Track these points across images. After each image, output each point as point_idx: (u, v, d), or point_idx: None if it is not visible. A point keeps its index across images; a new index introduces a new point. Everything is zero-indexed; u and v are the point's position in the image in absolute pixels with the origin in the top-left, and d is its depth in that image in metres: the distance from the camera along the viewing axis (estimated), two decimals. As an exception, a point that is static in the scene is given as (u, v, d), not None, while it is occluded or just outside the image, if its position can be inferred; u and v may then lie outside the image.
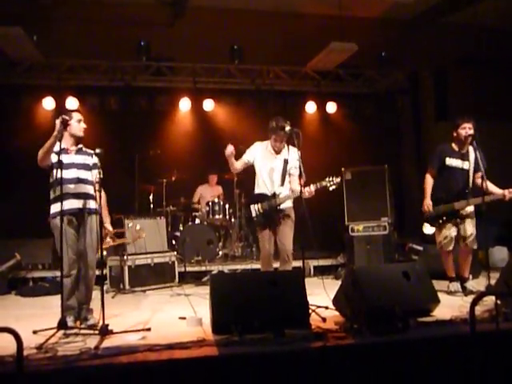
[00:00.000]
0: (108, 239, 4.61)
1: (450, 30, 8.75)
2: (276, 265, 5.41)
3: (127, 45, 8.39)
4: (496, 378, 3.25)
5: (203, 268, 7.41)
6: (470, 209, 5.36)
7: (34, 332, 3.89)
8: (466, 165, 5.38)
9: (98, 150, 4.26)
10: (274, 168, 5.19)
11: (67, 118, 4.22)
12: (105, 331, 3.73)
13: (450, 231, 5.35)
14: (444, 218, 5.36)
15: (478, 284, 5.49)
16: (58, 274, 4.43)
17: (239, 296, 3.82)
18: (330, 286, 4.79)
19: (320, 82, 9.56)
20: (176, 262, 7.09)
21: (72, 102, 8.43)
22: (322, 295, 4.63)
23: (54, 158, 4.28)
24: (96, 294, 4.38)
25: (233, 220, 8.33)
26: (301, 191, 4.73)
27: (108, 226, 4.59)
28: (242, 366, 3.16)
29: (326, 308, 4.38)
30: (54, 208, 4.30)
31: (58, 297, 4.08)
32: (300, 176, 4.78)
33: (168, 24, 8.55)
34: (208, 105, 9.23)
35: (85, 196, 4.36)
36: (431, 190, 5.49)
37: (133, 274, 6.58)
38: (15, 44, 7.32)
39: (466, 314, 3.73)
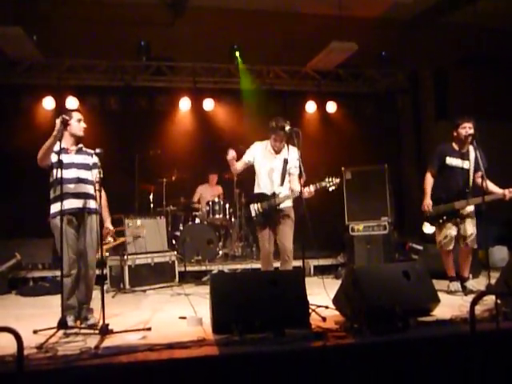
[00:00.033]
0: (109, 238, 4.61)
1: (450, 30, 8.76)
2: (276, 264, 5.42)
3: (127, 45, 8.40)
4: (496, 377, 3.25)
5: (203, 268, 7.42)
6: (470, 208, 5.36)
7: (35, 332, 3.89)
8: (466, 164, 5.38)
9: (98, 150, 4.26)
10: (274, 168, 5.19)
11: (67, 117, 4.22)
12: (105, 331, 3.73)
13: (450, 231, 5.35)
14: (444, 217, 5.36)
15: (478, 283, 5.49)
16: (58, 273, 4.43)
17: (239, 296, 3.82)
18: (330, 285, 4.78)
19: (320, 81, 9.56)
20: (176, 262, 7.10)
21: (72, 102, 8.44)
22: (322, 295, 4.63)
23: (54, 158, 4.28)
24: (96, 293, 4.38)
25: (233, 220, 8.34)
26: (301, 191, 4.73)
27: (109, 225, 4.59)
28: (242, 365, 3.16)
29: (326, 307, 4.38)
30: (54, 208, 4.30)
31: (58, 296, 4.07)
32: (300, 176, 4.78)
33: (168, 24, 8.57)
34: (208, 104, 9.24)
35: (85, 196, 4.36)
36: (431, 189, 5.48)
37: (133, 274, 6.58)
38: (15, 44, 7.34)
39: (466, 314, 3.73)
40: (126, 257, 6.61)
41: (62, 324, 3.85)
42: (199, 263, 7.50)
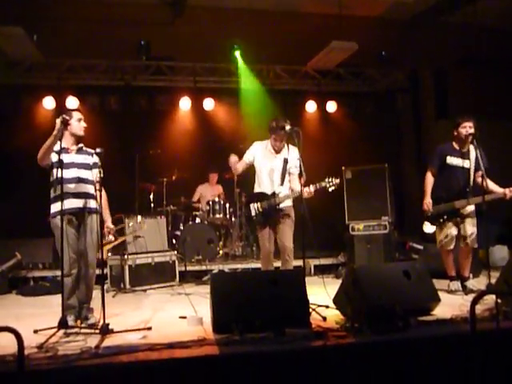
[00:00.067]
0: (110, 237, 4.61)
1: (450, 30, 8.76)
2: (277, 264, 5.42)
3: (127, 44, 8.39)
4: (496, 376, 3.26)
5: (204, 267, 7.42)
6: (471, 208, 5.36)
7: (35, 331, 3.88)
8: (466, 163, 5.37)
9: (98, 150, 4.26)
10: (274, 167, 5.19)
11: (67, 117, 4.22)
12: (105, 330, 3.73)
13: (451, 230, 5.35)
14: (445, 216, 5.36)
15: (478, 283, 5.49)
16: (59, 273, 4.43)
17: (240, 295, 3.83)
18: (331, 285, 4.78)
19: (320, 81, 9.56)
20: (176, 262, 7.09)
21: (72, 102, 8.44)
22: (322, 294, 4.63)
23: (54, 158, 4.28)
24: (97, 293, 4.38)
25: (233, 219, 8.34)
26: (301, 190, 4.73)
27: (109, 224, 4.59)
28: (242, 365, 3.16)
29: (327, 307, 4.38)
30: (54, 207, 4.30)
31: (59, 296, 4.07)
32: (300, 175, 4.78)
33: (168, 23, 8.56)
34: (208, 104, 9.24)
35: (85, 195, 4.36)
36: (432, 188, 5.49)
37: (133, 274, 6.58)
38: (15, 44, 7.33)
39: (467, 313, 3.73)
40: (126, 256, 6.61)
41: (62, 324, 3.86)
42: (199, 263, 7.51)
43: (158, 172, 8.30)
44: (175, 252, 7.26)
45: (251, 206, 5.23)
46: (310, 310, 4.10)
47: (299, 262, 4.98)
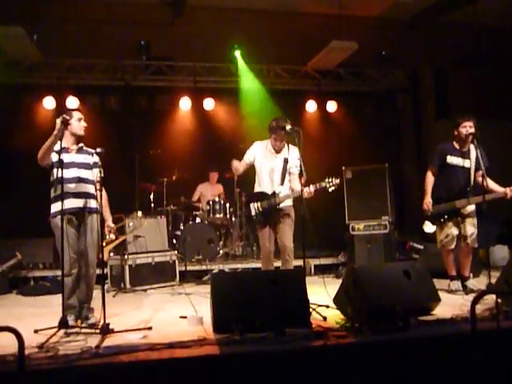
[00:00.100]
0: (111, 235, 4.61)
1: (450, 30, 8.77)
2: (277, 263, 5.42)
3: (127, 44, 8.40)
4: (496, 376, 3.26)
5: (204, 267, 7.42)
6: (471, 208, 5.36)
7: (35, 331, 3.89)
8: (466, 163, 5.37)
9: (98, 150, 4.26)
10: (274, 167, 5.19)
11: (68, 117, 4.22)
12: (106, 330, 3.73)
13: (452, 230, 5.35)
14: (445, 216, 5.36)
15: (478, 283, 5.49)
16: (59, 273, 4.43)
17: (240, 295, 3.83)
18: (331, 284, 4.78)
19: (320, 80, 9.56)
20: (177, 261, 7.10)
21: (72, 102, 8.44)
22: (322, 294, 4.63)
23: (54, 157, 4.28)
24: (97, 293, 4.38)
25: (233, 219, 8.34)
26: (302, 190, 4.73)
27: (110, 223, 4.59)
28: (242, 364, 3.16)
29: (327, 307, 4.38)
30: (55, 207, 4.30)
31: (59, 296, 4.07)
32: (301, 175, 4.78)
33: (168, 23, 8.57)
34: (208, 104, 9.24)
35: (85, 195, 4.36)
36: (432, 188, 5.48)
37: (134, 273, 6.58)
38: (15, 43, 7.33)
39: (467, 313, 3.73)
40: (126, 256, 6.62)
41: (62, 323, 3.86)
42: (200, 262, 7.51)
43: (159, 172, 8.30)
44: (175, 252, 7.26)
45: (251, 205, 5.23)
46: (311, 309, 4.10)
47: (299, 262, 4.98)
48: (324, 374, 3.19)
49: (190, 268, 7.21)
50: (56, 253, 6.19)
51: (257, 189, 5.32)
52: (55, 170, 4.27)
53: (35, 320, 4.41)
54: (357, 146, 9.06)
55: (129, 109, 9.20)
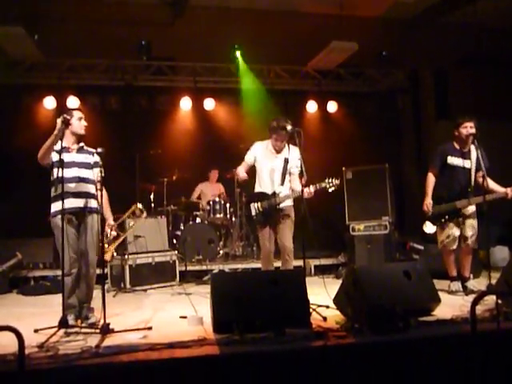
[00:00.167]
0: (113, 233, 4.61)
1: (450, 30, 8.76)
2: (277, 264, 5.42)
3: (128, 44, 8.40)
4: (496, 377, 3.26)
5: (204, 267, 7.42)
6: (472, 209, 5.36)
7: (36, 331, 3.89)
8: (467, 163, 5.37)
9: (99, 149, 4.27)
10: (275, 167, 5.19)
11: (68, 117, 4.23)
12: (106, 330, 3.74)
13: (453, 230, 5.34)
14: (446, 216, 5.35)
15: (478, 283, 5.48)
16: (59, 272, 4.44)
17: (240, 295, 3.82)
18: (331, 285, 4.78)
19: (321, 81, 9.56)
20: (177, 261, 7.10)
21: (73, 102, 8.44)
22: (322, 294, 4.63)
23: (54, 157, 4.29)
24: (97, 292, 4.38)
25: (234, 219, 8.34)
26: (302, 191, 4.73)
27: (111, 221, 4.59)
28: (242, 364, 3.16)
29: (327, 307, 4.38)
30: (55, 207, 4.31)
31: (59, 295, 4.07)
32: (301, 175, 4.78)
33: (168, 23, 8.57)
34: (209, 104, 9.24)
35: (86, 195, 4.36)
36: (433, 188, 5.48)
37: (134, 273, 6.59)
38: (16, 43, 7.34)
39: (467, 314, 3.73)
40: (126, 256, 6.62)
41: (62, 323, 3.86)
42: (200, 263, 7.51)
43: (159, 172, 8.30)
44: (176, 252, 7.26)
45: (251, 205, 5.23)
46: (311, 310, 4.10)
47: (299, 262, 4.98)
48: (324, 374, 3.19)
49: (190, 268, 7.21)
50: (56, 252, 6.19)
51: (257, 189, 5.32)
52: (55, 170, 4.27)
53: (35, 319, 4.42)
54: (357, 147, 9.06)
55: (129, 109, 9.21)
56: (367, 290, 3.88)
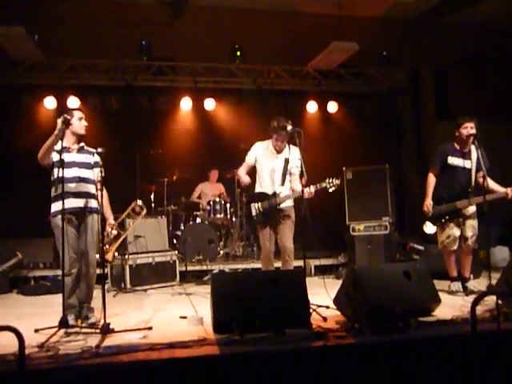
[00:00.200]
0: (114, 231, 4.61)
1: (451, 30, 8.76)
2: (277, 264, 5.42)
3: (128, 44, 8.40)
4: (497, 377, 3.26)
5: (204, 267, 7.42)
6: (472, 209, 5.36)
7: (36, 331, 3.89)
8: (467, 164, 5.37)
9: (99, 149, 4.28)
10: (275, 168, 5.20)
11: (69, 117, 4.23)
12: (106, 330, 3.74)
13: (453, 231, 5.34)
14: (446, 217, 5.36)
15: (479, 284, 5.48)
16: (59, 272, 4.44)
17: (240, 295, 3.82)
18: (331, 285, 4.78)
19: (321, 81, 9.55)
20: (177, 261, 7.10)
21: (73, 102, 8.44)
22: (322, 295, 4.63)
23: (55, 157, 4.29)
24: (97, 292, 4.39)
25: (234, 219, 8.34)
26: (302, 191, 4.73)
27: (111, 220, 4.59)
28: (242, 365, 3.16)
29: (327, 307, 4.38)
30: (55, 207, 4.31)
31: (59, 295, 4.07)
32: (301, 175, 4.78)
33: (169, 24, 8.57)
34: (209, 104, 9.24)
35: (86, 195, 4.36)
36: (433, 189, 5.48)
37: (134, 273, 6.59)
38: (16, 43, 7.33)
39: (467, 314, 3.73)
40: (127, 256, 6.62)
41: (63, 323, 3.87)
42: (200, 263, 7.50)
43: (159, 172, 8.30)
44: (176, 252, 7.26)
45: (252, 205, 5.23)
46: (311, 310, 4.10)
47: (300, 263, 4.98)
48: (324, 374, 3.19)
49: (190, 268, 7.21)
50: (56, 252, 6.20)
51: (257, 189, 5.32)
52: (56, 170, 4.28)
53: (35, 319, 4.42)
54: (357, 147, 9.05)
55: (130, 109, 9.20)
56: (367, 290, 3.88)
